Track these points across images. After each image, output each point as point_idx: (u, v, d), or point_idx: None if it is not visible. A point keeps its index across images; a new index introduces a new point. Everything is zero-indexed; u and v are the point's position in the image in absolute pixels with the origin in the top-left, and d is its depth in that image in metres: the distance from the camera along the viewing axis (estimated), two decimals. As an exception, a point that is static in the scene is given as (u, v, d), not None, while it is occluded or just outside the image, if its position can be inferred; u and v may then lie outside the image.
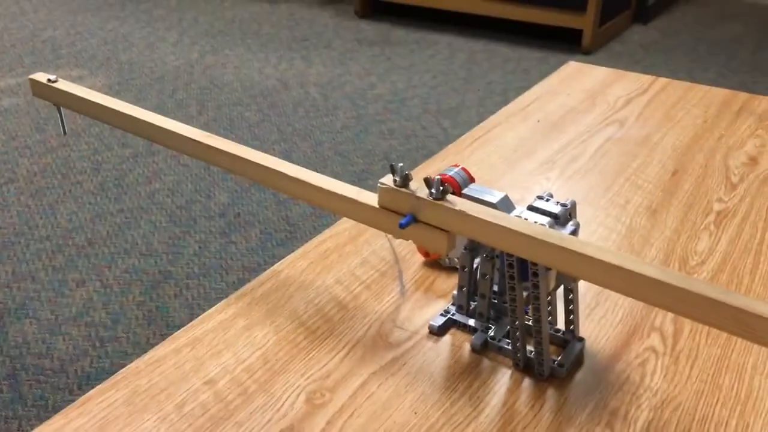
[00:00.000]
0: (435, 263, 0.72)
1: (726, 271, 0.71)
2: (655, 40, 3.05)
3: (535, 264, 0.55)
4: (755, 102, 1.05)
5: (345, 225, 0.77)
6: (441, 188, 0.55)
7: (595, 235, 0.77)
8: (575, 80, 1.15)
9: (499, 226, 0.53)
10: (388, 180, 0.57)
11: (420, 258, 0.73)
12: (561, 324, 0.63)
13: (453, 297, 0.65)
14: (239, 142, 0.65)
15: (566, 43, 2.95)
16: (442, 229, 0.56)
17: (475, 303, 0.64)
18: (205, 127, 2.21)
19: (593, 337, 0.63)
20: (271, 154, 0.64)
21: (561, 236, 0.52)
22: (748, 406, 0.56)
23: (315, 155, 2.07)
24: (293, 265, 0.71)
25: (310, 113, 2.34)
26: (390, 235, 0.63)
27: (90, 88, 0.73)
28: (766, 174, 0.88)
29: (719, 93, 1.08)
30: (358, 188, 0.59)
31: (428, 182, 0.55)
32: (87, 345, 1.36)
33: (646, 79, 1.14)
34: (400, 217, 0.56)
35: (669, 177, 0.87)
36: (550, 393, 0.57)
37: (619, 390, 0.57)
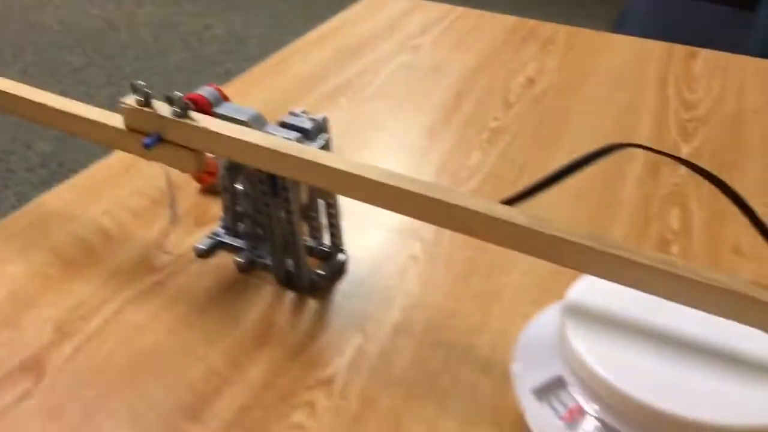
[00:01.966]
0: (212, 189, 0.72)
1: (491, 183, 0.75)
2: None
3: (283, 178, 0.56)
4: (540, 28, 1.11)
5: (120, 155, 0.74)
6: (183, 105, 0.54)
7: (379, 156, 0.79)
8: (376, 9, 1.16)
9: (241, 141, 0.53)
10: (130, 100, 0.55)
11: (197, 185, 0.72)
12: (328, 238, 0.64)
13: (221, 219, 0.65)
14: (61, 87, 0.61)
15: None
16: (189, 148, 0.55)
17: (243, 224, 0.64)
18: (23, 73, 2.05)
19: (358, 248, 0.65)
20: (97, 100, 0.60)
21: (300, 148, 0.53)
22: (491, 298, 0.60)
23: (144, 99, 1.99)
24: (59, 197, 0.68)
25: (141, 56, 2.24)
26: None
27: None
28: (541, 93, 0.93)
29: (509, 20, 1.12)
30: (103, 110, 0.58)
31: (170, 100, 0.54)
32: None
33: (444, 8, 1.17)
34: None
35: (452, 99, 0.90)
36: (311, 304, 0.59)
37: (377, 296, 0.60)
